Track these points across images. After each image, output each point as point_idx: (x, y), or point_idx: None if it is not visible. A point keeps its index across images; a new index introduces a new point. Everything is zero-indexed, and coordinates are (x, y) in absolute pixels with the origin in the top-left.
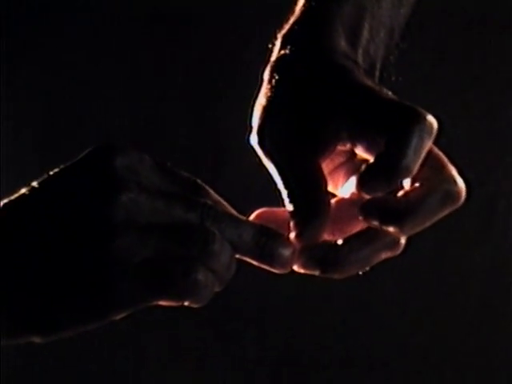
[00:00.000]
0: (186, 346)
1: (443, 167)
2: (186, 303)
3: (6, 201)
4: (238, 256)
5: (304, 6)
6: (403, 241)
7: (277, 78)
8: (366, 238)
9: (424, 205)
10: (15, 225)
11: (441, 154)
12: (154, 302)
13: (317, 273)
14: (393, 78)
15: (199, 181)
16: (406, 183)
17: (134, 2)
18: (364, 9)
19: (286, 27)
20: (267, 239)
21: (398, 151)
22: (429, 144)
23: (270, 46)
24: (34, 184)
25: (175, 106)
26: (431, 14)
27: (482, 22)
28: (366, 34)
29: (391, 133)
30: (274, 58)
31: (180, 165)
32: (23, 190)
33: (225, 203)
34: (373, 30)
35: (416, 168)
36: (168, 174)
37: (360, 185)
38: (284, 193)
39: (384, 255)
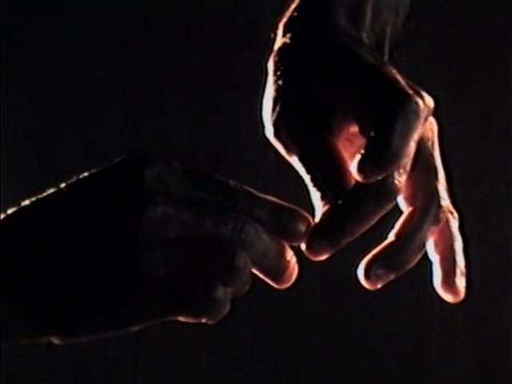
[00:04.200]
0: (185, 345)
1: (430, 183)
2: (203, 320)
3: (34, 198)
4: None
5: None
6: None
7: (281, 67)
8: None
9: (414, 243)
10: (41, 225)
11: (434, 157)
12: (173, 318)
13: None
14: (404, 58)
15: (232, 183)
16: (399, 202)
17: (134, 1)
18: None
19: (287, 15)
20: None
21: (384, 136)
22: (418, 126)
23: (271, 35)
24: (62, 186)
25: (175, 105)
26: (431, 13)
27: (482, 22)
28: (368, 13)
29: (378, 116)
30: (276, 47)
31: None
32: (51, 190)
33: (261, 198)
34: (376, 8)
35: (405, 151)
36: (199, 181)
37: (357, 173)
38: (307, 179)
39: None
